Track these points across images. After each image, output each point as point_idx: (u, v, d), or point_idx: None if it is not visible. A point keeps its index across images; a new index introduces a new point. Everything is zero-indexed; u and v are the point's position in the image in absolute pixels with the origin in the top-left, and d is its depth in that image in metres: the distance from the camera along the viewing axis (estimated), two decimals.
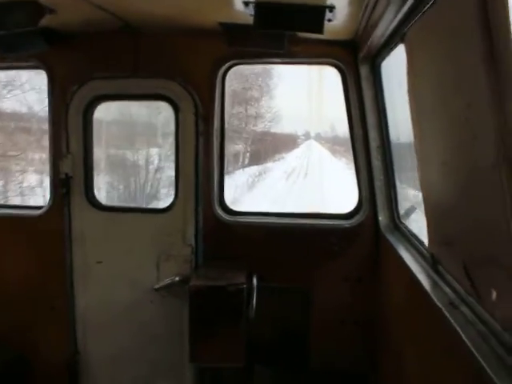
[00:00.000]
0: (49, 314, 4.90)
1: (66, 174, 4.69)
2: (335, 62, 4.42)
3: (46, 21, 3.75)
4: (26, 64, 4.93)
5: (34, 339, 4.92)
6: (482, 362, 1.91)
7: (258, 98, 19.76)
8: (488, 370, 1.86)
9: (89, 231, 4.76)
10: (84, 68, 4.62)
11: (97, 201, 4.82)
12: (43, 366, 4.92)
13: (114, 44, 4.52)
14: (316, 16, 3.47)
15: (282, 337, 4.64)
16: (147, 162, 14.07)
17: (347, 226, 4.57)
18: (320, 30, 3.52)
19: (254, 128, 19.90)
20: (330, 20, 3.54)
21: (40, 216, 4.85)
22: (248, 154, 20.43)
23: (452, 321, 2.28)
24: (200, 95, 4.52)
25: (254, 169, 21.09)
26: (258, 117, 19.95)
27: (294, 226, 4.64)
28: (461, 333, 2.16)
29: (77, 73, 4.63)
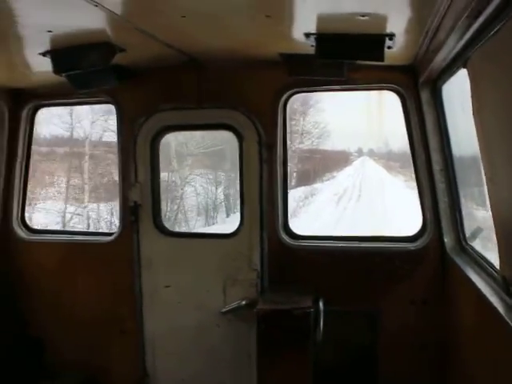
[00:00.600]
0: (119, 336, 5.08)
1: (135, 202, 4.90)
2: (395, 87, 4.47)
3: (116, 59, 3.98)
4: (96, 99, 5.23)
5: (105, 361, 5.10)
6: None
7: (303, 112, 18.02)
8: None
9: (157, 256, 4.94)
10: (151, 101, 4.86)
11: (165, 227, 5.02)
12: None
13: (178, 77, 4.74)
14: (376, 45, 3.55)
15: (350, 360, 4.63)
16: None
17: (412, 248, 4.55)
18: (381, 58, 3.59)
19: (300, 146, 18.30)
20: (389, 47, 3.60)
21: (111, 242, 5.08)
22: (294, 175, 18.53)
23: None
24: (263, 124, 4.66)
25: (302, 191, 19.36)
26: (303, 133, 18.40)
27: (358, 250, 4.66)
28: None
29: (144, 106, 4.87)
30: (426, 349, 4.49)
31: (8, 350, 5.02)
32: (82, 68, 3.98)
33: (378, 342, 4.58)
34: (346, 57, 3.74)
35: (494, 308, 2.83)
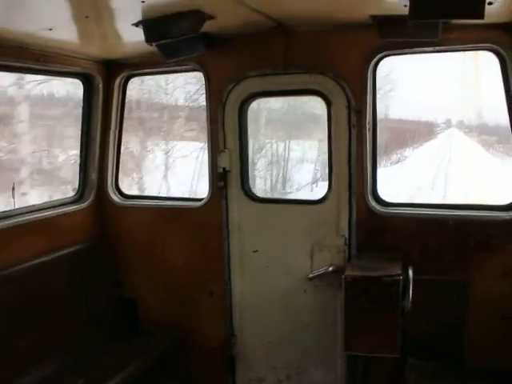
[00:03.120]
0: (208, 299, 5.27)
1: (224, 168, 5.01)
2: (493, 46, 4.20)
3: (204, 27, 4.01)
4: (184, 67, 5.31)
5: (194, 322, 5.32)
6: None
7: None
8: None
9: (245, 222, 5.04)
10: (238, 68, 4.89)
11: (252, 193, 5.09)
12: (201, 347, 5.30)
13: (266, 43, 4.73)
14: (476, 1, 3.34)
15: (438, 331, 4.54)
16: None
17: (507, 217, 4.34)
18: (480, 16, 3.36)
19: None
20: (490, 3, 3.39)
21: (200, 207, 5.22)
22: None
23: None
24: (352, 88, 4.56)
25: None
26: None
27: (449, 218, 4.51)
28: None
29: (232, 73, 4.91)
30: None
31: (103, 309, 5.34)
32: (173, 37, 4.03)
33: (468, 314, 4.46)
34: (443, 16, 3.51)
35: None
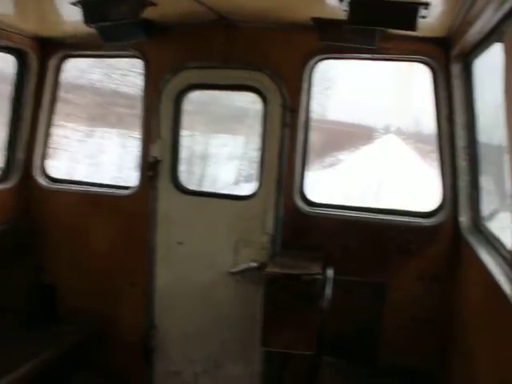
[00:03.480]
0: (129, 288, 5.19)
1: (155, 158, 4.94)
2: (426, 59, 4.38)
3: (146, 13, 3.94)
4: (123, 53, 5.20)
5: (114, 311, 5.23)
6: None
7: None
8: None
9: (172, 213, 4.99)
10: (178, 58, 4.84)
11: (182, 185, 5.05)
12: (121, 338, 5.22)
13: (207, 36, 4.71)
14: (410, 13, 3.47)
15: (353, 330, 4.67)
16: None
17: (427, 224, 4.53)
18: (413, 28, 3.51)
19: None
20: (423, 17, 3.52)
21: (128, 196, 5.14)
22: None
23: None
24: (288, 88, 4.62)
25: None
26: None
27: (373, 221, 4.65)
28: None
29: (171, 62, 4.86)
30: (430, 324, 4.53)
31: (21, 295, 5.18)
32: (112, 20, 3.94)
33: (384, 314, 4.62)
34: (378, 24, 3.65)
35: (501, 289, 2.80)
